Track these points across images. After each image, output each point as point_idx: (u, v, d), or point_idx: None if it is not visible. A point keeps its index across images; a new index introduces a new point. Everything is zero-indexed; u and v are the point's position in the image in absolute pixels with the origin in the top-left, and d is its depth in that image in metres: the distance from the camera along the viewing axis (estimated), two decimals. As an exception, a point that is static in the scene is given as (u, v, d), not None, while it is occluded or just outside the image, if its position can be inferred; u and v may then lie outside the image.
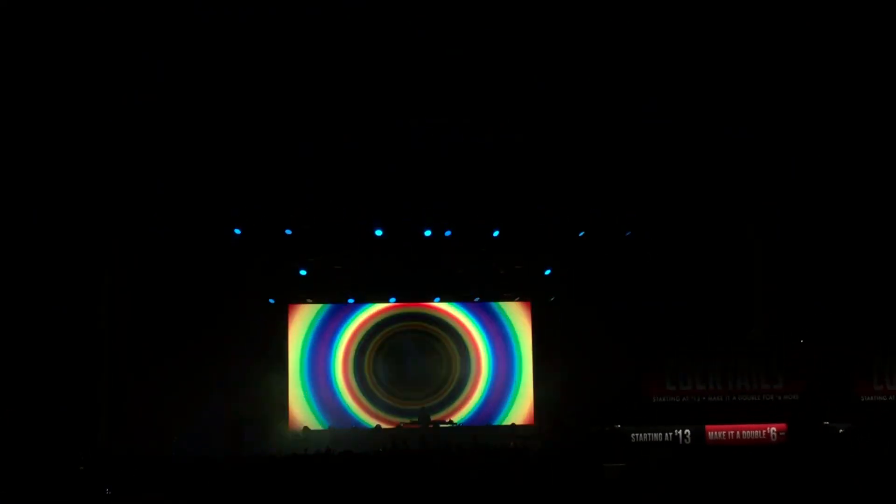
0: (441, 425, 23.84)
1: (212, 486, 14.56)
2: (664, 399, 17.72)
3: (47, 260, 18.65)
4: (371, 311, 25.39)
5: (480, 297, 25.61)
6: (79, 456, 15.91)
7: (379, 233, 22.56)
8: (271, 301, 24.62)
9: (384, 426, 24.23)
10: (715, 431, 17.28)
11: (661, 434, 17.26)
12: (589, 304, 23.44)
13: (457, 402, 25.25)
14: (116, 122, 17.97)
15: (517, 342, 25.64)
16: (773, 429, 17.19)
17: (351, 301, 25.23)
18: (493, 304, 25.74)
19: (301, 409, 24.65)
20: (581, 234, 23.34)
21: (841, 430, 16.97)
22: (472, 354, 25.57)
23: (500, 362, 25.60)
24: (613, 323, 22.51)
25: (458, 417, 24.79)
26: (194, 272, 22.48)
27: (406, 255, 23.67)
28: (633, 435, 17.22)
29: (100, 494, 13.92)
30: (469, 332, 25.63)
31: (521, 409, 25.25)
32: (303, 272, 23.99)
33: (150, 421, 21.26)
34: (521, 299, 25.73)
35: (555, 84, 17.65)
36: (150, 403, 21.70)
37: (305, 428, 23.99)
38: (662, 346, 20.51)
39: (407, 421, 24.23)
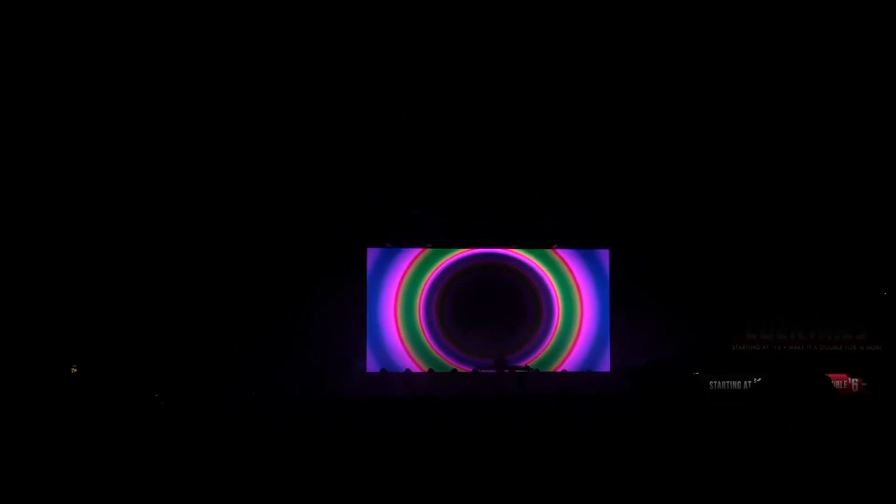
0: (517, 370, 23.98)
1: (293, 426, 14.75)
2: (744, 348, 17.55)
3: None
4: (449, 255, 25.51)
5: (559, 245, 25.55)
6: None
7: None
8: (350, 244, 24.83)
9: (459, 370, 24.47)
10: (795, 381, 17.06)
11: (739, 382, 17.13)
12: (669, 253, 23.27)
13: (534, 350, 25.33)
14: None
15: (596, 290, 25.57)
16: (856, 380, 16.95)
17: (429, 246, 25.36)
18: (572, 252, 25.67)
19: (378, 352, 24.95)
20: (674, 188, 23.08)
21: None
22: (550, 300, 25.58)
23: (577, 309, 25.58)
24: (694, 272, 22.33)
25: (534, 363, 24.89)
26: (274, 218, 22.78)
27: (485, 202, 23.69)
28: (711, 383, 17.12)
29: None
30: (547, 279, 25.63)
31: (597, 356, 25.25)
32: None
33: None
34: (600, 247, 25.61)
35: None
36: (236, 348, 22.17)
37: (384, 370, 24.33)
38: (744, 295, 20.36)
39: (483, 365, 24.42)
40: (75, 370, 20.17)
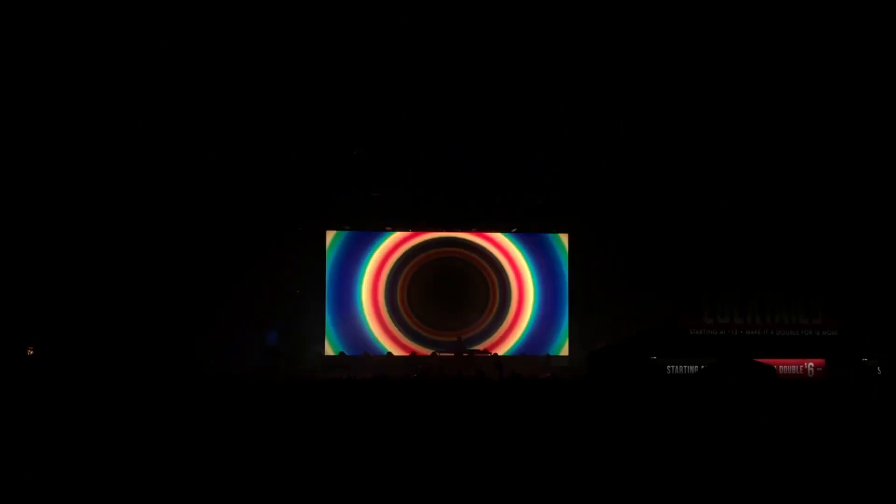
0: (476, 355, 23.98)
1: (244, 406, 14.62)
2: (701, 332, 17.64)
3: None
4: (407, 237, 25.44)
5: (518, 228, 25.55)
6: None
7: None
8: (308, 227, 24.68)
9: (418, 354, 24.44)
10: (751, 365, 17.15)
11: (697, 366, 17.19)
12: (627, 237, 23.36)
13: (493, 333, 25.35)
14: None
15: (554, 274, 25.62)
16: (811, 364, 17.10)
17: (388, 228, 25.26)
18: (531, 235, 25.70)
19: (336, 335, 24.84)
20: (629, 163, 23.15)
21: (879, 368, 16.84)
22: (510, 284, 25.59)
23: (536, 293, 25.62)
24: (652, 256, 22.43)
25: (493, 348, 24.90)
26: (234, 198, 22.54)
27: (445, 184, 23.62)
28: (668, 367, 17.19)
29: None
30: (506, 263, 25.63)
31: (556, 340, 25.31)
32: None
33: (188, 347, 21.54)
34: (559, 230, 25.64)
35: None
36: (188, 330, 21.95)
37: (342, 353, 24.24)
38: (701, 279, 20.48)
39: (442, 350, 24.40)
40: (31, 352, 19.94)
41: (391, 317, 25.22)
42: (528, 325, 25.45)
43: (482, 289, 25.54)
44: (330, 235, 25.14)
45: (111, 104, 18.51)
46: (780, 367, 17.19)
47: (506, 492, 8.57)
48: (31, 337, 20.02)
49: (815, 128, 19.93)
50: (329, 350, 24.55)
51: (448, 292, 25.35)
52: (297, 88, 19.51)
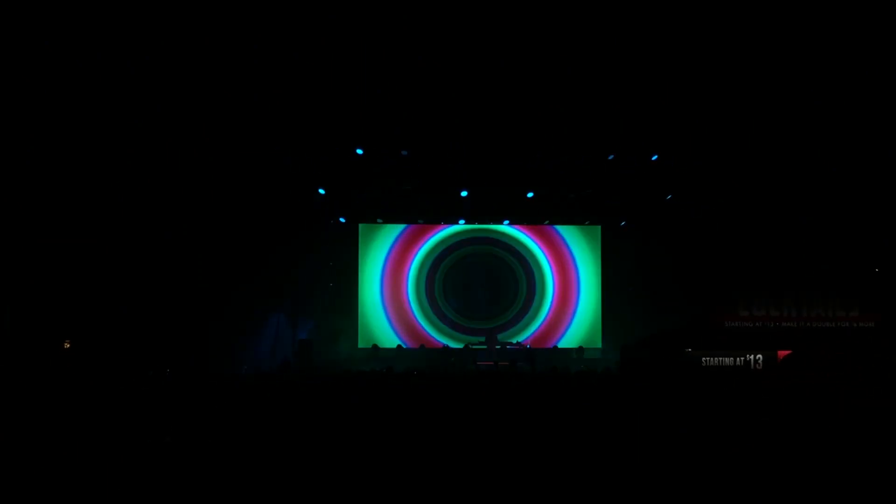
0: (508, 346, 23.96)
1: (278, 401, 14.67)
2: (737, 325, 17.52)
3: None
4: (441, 232, 25.45)
5: (550, 221, 25.49)
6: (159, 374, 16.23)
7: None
8: (342, 220, 24.76)
9: (452, 346, 24.46)
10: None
11: (732, 359, 17.11)
12: (661, 230, 23.27)
13: (525, 325, 25.32)
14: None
15: (587, 267, 25.55)
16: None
17: (421, 222, 25.29)
18: (564, 228, 25.63)
19: (370, 328, 24.91)
20: (654, 157, 23.04)
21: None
22: (541, 278, 25.56)
23: (569, 286, 25.57)
24: (686, 248, 22.33)
25: (525, 339, 24.87)
26: (267, 193, 22.59)
27: (477, 178, 23.62)
28: (704, 359, 17.10)
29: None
30: (538, 256, 25.60)
31: (589, 333, 25.25)
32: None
33: (225, 343, 21.65)
34: (592, 223, 25.56)
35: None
36: (224, 325, 22.05)
37: (375, 346, 24.31)
38: (736, 272, 20.36)
39: (474, 341, 24.41)
40: (68, 345, 20.08)
41: (422, 310, 25.25)
42: (560, 318, 25.40)
43: (513, 282, 25.51)
44: (362, 229, 25.20)
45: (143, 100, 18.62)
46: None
47: (535, 485, 8.57)
48: (68, 331, 20.17)
49: (854, 122, 19.78)
50: (361, 343, 24.63)
51: (481, 285, 25.36)
52: (328, 83, 19.59)
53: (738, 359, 16.99)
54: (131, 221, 19.96)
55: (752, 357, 16.97)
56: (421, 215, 25.18)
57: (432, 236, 25.46)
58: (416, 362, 22.15)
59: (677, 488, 8.18)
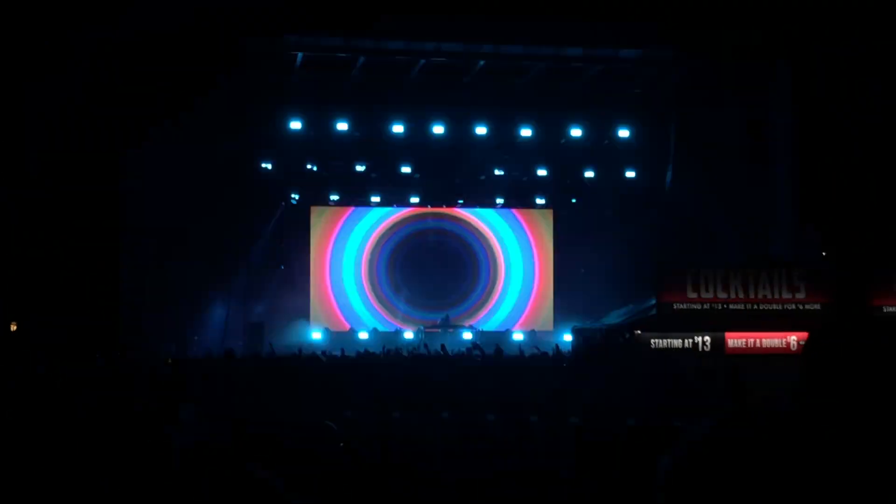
0: (461, 329, 23.93)
1: (225, 383, 14.56)
2: (685, 306, 17.58)
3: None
4: (393, 213, 25.35)
5: (504, 203, 25.49)
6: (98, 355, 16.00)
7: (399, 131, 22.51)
8: (293, 201, 24.52)
9: (406, 329, 24.39)
10: (735, 339, 17.18)
11: (680, 341, 17.18)
12: (611, 213, 23.38)
13: (479, 308, 25.36)
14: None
15: (539, 249, 25.61)
16: (794, 337, 17.09)
17: (374, 201, 25.07)
18: (517, 211, 25.66)
19: (321, 311, 24.79)
20: (605, 141, 23.20)
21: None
22: (495, 260, 25.59)
23: (521, 268, 25.63)
24: (635, 232, 22.47)
25: (479, 322, 24.90)
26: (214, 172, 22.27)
27: (430, 159, 23.58)
28: (652, 341, 17.15)
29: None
30: (492, 238, 25.61)
31: (541, 315, 25.34)
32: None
33: (169, 323, 21.43)
34: (545, 206, 25.61)
35: None
36: (168, 305, 21.82)
37: (327, 329, 24.20)
38: (684, 254, 20.49)
39: (428, 324, 24.37)
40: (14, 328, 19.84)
41: (377, 293, 25.18)
42: (512, 300, 25.48)
43: (468, 264, 25.51)
44: (315, 211, 25.02)
45: None
46: (763, 340, 17.22)
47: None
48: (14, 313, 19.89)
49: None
50: (314, 326, 24.50)
51: (434, 267, 25.30)
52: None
53: (686, 341, 17.09)
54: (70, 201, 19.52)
55: (700, 339, 17.08)
56: (373, 197, 24.96)
57: (385, 218, 25.35)
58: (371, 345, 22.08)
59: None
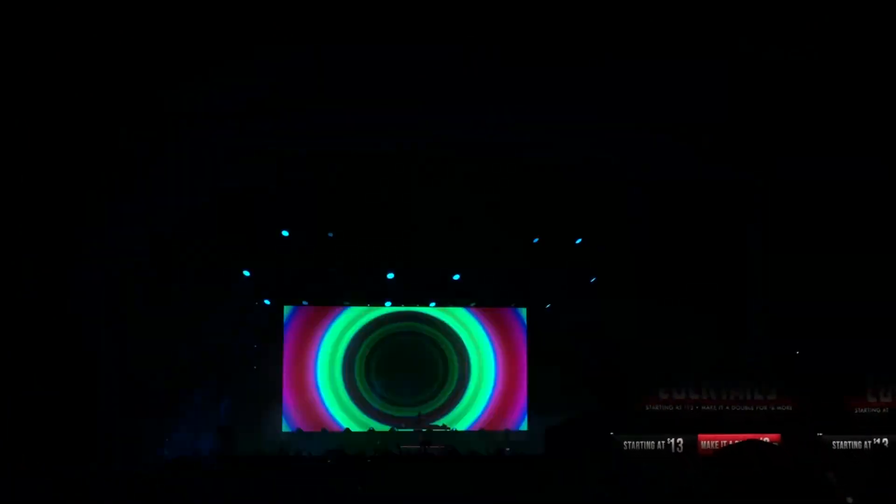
0: (435, 430, 23.78)
1: (203, 486, 14.48)
2: (657, 408, 17.64)
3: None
4: (365, 313, 25.37)
5: (476, 303, 25.59)
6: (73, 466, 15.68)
7: None
8: (266, 302, 24.58)
9: (376, 431, 24.21)
10: (708, 441, 17.23)
11: (653, 442, 17.21)
12: (584, 313, 23.48)
13: (452, 407, 25.25)
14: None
15: (512, 349, 25.64)
16: (767, 439, 17.13)
17: (346, 303, 25.18)
18: (489, 310, 25.74)
19: (293, 411, 24.62)
20: (578, 241, 23.41)
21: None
22: (468, 359, 25.58)
23: (494, 368, 25.61)
24: (608, 332, 22.57)
25: (452, 422, 24.76)
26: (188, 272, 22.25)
27: (401, 260, 23.73)
28: (625, 443, 17.17)
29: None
30: (464, 338, 25.63)
31: (514, 415, 25.24)
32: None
33: (141, 424, 21.12)
34: (517, 305, 25.71)
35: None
36: (139, 407, 21.50)
37: (299, 430, 24.03)
38: (656, 356, 20.61)
39: (402, 425, 24.23)
40: None
41: (349, 392, 25.06)
42: (484, 400, 25.41)
43: (440, 364, 25.48)
44: (287, 310, 25.04)
45: None
46: (736, 442, 17.19)
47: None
48: None
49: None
50: (285, 426, 24.29)
51: (407, 367, 25.27)
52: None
53: (659, 442, 17.11)
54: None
55: (672, 441, 17.11)
56: (346, 297, 25.05)
57: (358, 317, 25.37)
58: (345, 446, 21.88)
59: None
